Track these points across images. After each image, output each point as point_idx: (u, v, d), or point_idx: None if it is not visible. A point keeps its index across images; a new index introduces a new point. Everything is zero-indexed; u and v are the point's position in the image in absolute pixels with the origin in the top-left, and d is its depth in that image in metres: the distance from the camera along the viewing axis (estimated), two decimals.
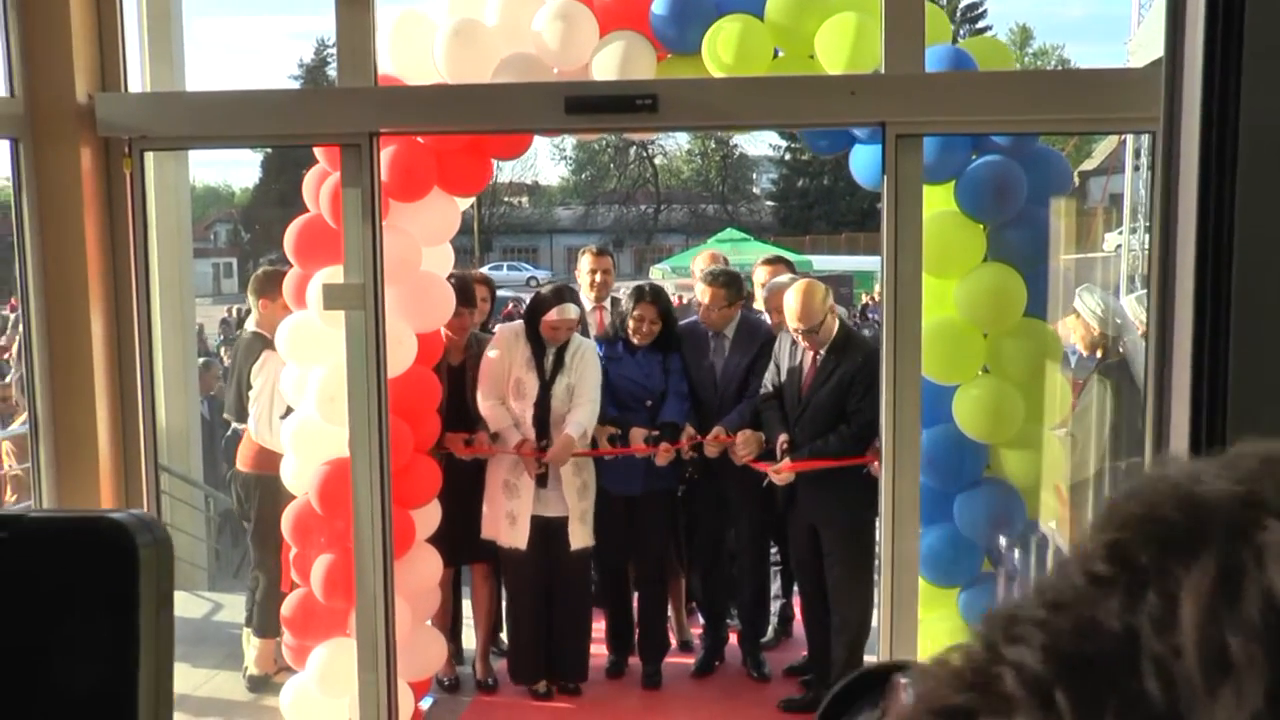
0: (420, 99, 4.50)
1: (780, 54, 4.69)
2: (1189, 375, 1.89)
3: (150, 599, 0.90)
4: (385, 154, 4.67)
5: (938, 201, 4.69)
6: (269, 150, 40.09)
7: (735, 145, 50.62)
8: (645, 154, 50.73)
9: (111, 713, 0.89)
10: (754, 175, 52.93)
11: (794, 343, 5.53)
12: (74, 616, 0.89)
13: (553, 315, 5.60)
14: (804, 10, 4.58)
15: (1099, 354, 5.27)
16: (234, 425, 6.31)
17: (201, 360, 9.55)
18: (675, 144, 51.24)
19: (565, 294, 5.74)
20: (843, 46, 4.49)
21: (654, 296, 5.98)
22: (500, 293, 10.43)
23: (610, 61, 4.61)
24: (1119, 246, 23.23)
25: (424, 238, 5.14)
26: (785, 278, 5.96)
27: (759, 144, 50.39)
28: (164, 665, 0.91)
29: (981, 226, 4.81)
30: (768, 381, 5.71)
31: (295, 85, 38.02)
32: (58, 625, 0.89)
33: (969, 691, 0.48)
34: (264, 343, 5.91)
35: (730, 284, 5.91)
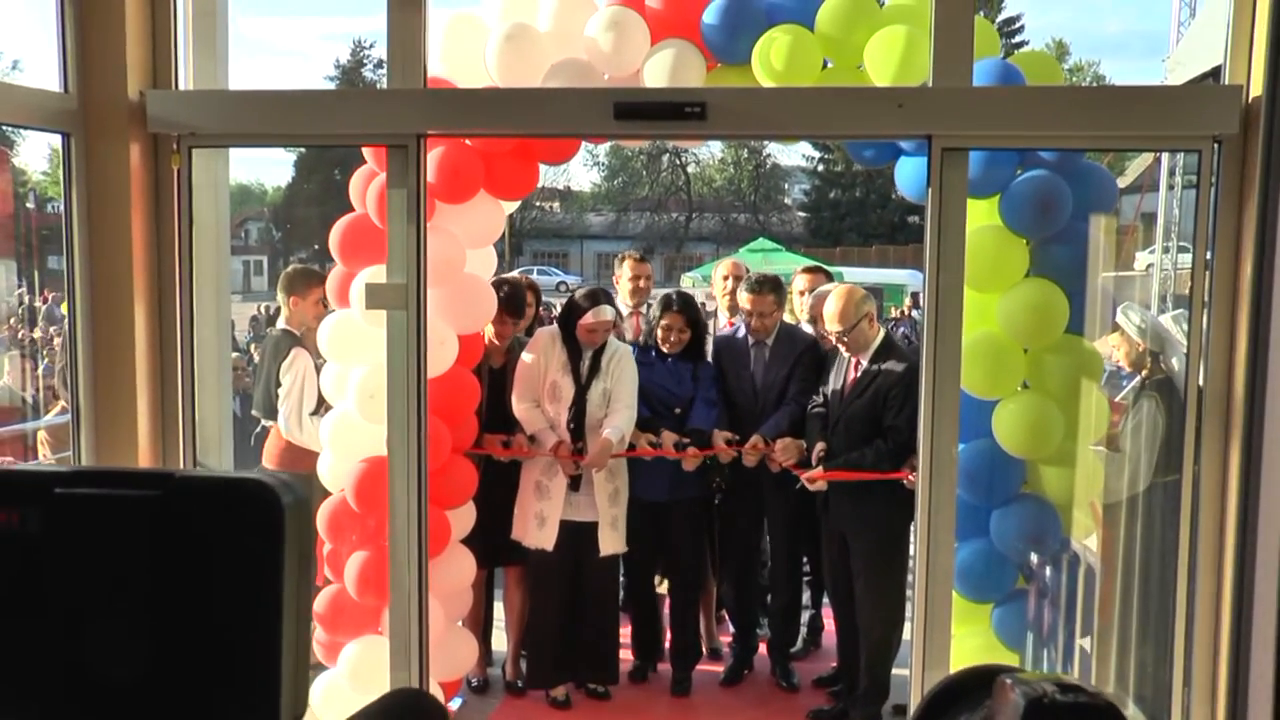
0: (469, 101, 4.51)
1: (829, 65, 4.69)
2: None
3: (294, 555, 0.93)
4: (432, 156, 4.70)
5: (981, 216, 4.68)
6: (303, 150, 40.33)
7: (768, 155, 50.61)
8: (678, 162, 50.73)
9: (257, 661, 0.91)
10: (786, 185, 52.86)
11: (844, 354, 5.55)
12: (222, 571, 0.92)
13: (589, 318, 5.62)
14: (854, 22, 4.58)
15: (1143, 372, 5.24)
16: (263, 422, 6.34)
17: (234, 355, 9.60)
18: (709, 152, 51.27)
19: (600, 297, 5.76)
20: (891, 59, 4.49)
21: (682, 305, 6.01)
22: None
23: (661, 69, 4.62)
24: (1149, 266, 23.12)
25: (468, 240, 5.16)
26: (828, 286, 5.98)
27: (792, 154, 50.44)
28: (304, 619, 0.94)
29: (1025, 241, 4.79)
30: (821, 391, 5.72)
31: (330, 87, 38.24)
32: (207, 579, 0.91)
33: None
34: (293, 340, 5.95)
35: (777, 288, 5.98)
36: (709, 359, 6.03)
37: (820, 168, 48.85)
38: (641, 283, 6.51)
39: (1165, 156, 20.74)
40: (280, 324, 6.19)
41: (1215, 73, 4.37)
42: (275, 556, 0.91)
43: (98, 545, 0.93)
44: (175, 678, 0.91)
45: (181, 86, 4.60)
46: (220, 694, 0.92)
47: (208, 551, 0.92)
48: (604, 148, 48.15)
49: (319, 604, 5.20)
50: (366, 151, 4.92)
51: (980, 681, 0.83)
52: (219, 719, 0.92)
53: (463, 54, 4.82)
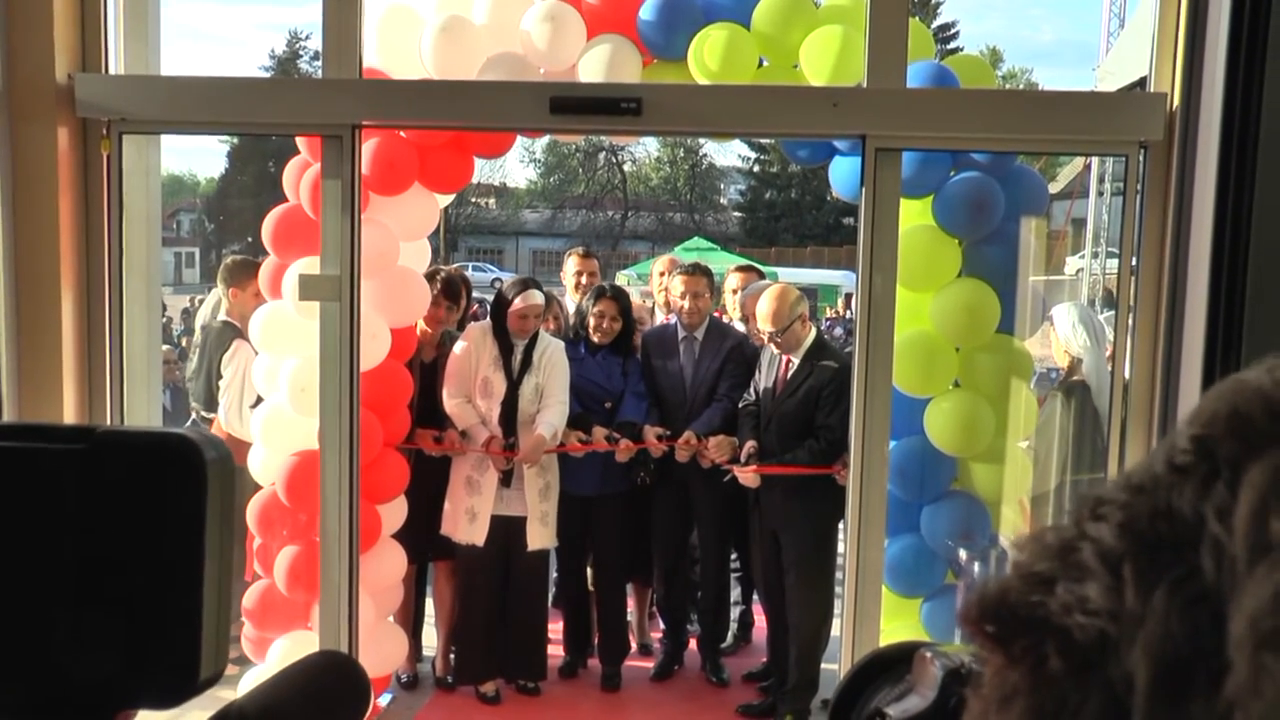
0: (405, 93, 4.49)
1: (765, 63, 4.72)
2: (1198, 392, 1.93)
3: (216, 511, 0.92)
4: (367, 147, 4.66)
5: (915, 216, 4.73)
6: (235, 140, 39.81)
7: (704, 155, 50.67)
8: (614, 160, 50.68)
9: (177, 618, 0.91)
10: (722, 185, 52.97)
11: (774, 352, 5.58)
12: (145, 526, 0.92)
13: (518, 303, 5.59)
14: (790, 21, 4.61)
15: (1064, 372, 5.32)
16: (198, 415, 6.26)
17: (165, 349, 9.46)
18: (645, 151, 51.18)
19: (529, 284, 5.76)
20: (826, 58, 4.53)
21: (615, 293, 6.06)
22: None
23: (596, 64, 4.62)
24: (1079, 270, 23.51)
25: (402, 233, 5.13)
26: (761, 284, 6.01)
27: (728, 154, 50.50)
28: (225, 576, 0.94)
29: (957, 242, 4.86)
30: (750, 390, 5.75)
31: (265, 76, 37.76)
32: (129, 534, 0.91)
33: (1052, 560, 0.54)
34: (234, 332, 5.89)
35: (708, 273, 6.05)
36: (637, 353, 6.05)
37: (756, 168, 48.96)
38: (585, 278, 6.53)
39: (1095, 164, 21.09)
40: (221, 315, 6.12)
41: (1143, 82, 4.45)
42: (198, 512, 0.91)
43: (19, 499, 0.92)
44: (96, 632, 0.91)
45: (112, 70, 4.52)
46: (140, 650, 0.91)
47: (130, 506, 0.92)
48: (540, 144, 47.95)
49: (248, 599, 5.14)
50: (300, 142, 4.87)
51: (903, 655, 0.86)
52: (138, 675, 0.92)
53: (398, 45, 4.79)
